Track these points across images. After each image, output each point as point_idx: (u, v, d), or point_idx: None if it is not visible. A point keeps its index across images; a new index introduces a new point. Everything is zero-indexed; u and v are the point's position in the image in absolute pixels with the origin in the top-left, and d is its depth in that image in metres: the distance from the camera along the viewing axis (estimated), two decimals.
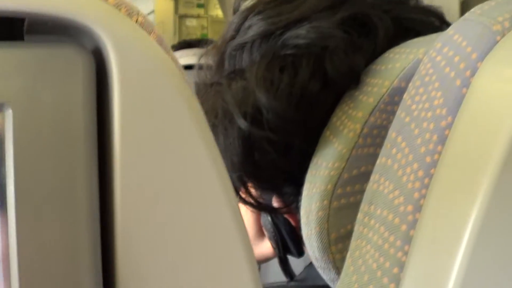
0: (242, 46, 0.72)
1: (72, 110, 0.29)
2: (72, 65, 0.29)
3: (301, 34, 0.67)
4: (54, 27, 0.30)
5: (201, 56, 0.78)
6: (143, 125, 0.30)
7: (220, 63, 0.74)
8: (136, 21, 0.32)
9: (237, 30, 0.74)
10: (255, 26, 0.71)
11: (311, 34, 0.66)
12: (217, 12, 9.25)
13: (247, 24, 0.73)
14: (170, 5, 10.25)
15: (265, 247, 0.82)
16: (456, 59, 0.47)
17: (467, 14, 0.52)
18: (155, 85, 0.30)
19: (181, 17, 10.31)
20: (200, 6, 10.40)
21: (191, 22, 10.36)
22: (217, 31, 10.05)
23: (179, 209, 0.31)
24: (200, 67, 0.78)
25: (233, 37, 0.74)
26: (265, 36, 0.70)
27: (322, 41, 0.66)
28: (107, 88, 0.30)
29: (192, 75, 1.70)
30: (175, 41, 10.10)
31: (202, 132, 0.32)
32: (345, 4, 0.69)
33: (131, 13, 0.32)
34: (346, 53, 0.65)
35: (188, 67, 1.72)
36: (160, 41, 0.33)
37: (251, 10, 0.74)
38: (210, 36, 10.41)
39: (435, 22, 0.74)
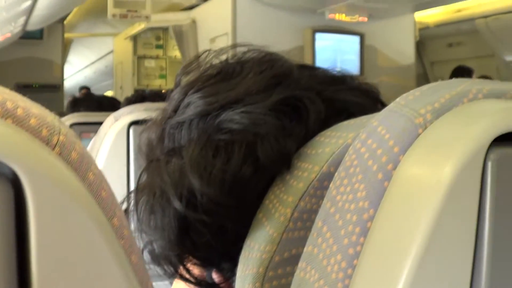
0: (180, 124, 0.73)
1: None
2: None
3: (234, 119, 0.69)
4: None
5: (141, 132, 0.80)
6: (56, 250, 0.31)
7: (160, 139, 0.76)
8: (57, 142, 0.33)
9: (177, 107, 0.75)
10: (193, 105, 0.73)
11: (244, 119, 0.68)
12: (176, 53, 9.33)
13: (186, 101, 0.74)
14: (129, 46, 10.29)
15: None
16: (379, 152, 0.48)
17: (392, 105, 0.53)
18: (67, 212, 0.31)
19: (140, 58, 10.35)
20: (159, 47, 10.49)
21: (149, 63, 10.42)
22: (175, 71, 10.08)
23: None
24: (139, 146, 0.79)
25: (172, 114, 0.75)
26: (202, 115, 0.71)
27: (254, 127, 0.68)
28: (26, 211, 0.31)
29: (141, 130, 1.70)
30: (134, 82, 10.16)
31: (115, 254, 0.33)
32: (279, 86, 0.71)
33: (52, 133, 0.33)
34: (277, 139, 0.67)
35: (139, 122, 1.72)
36: (80, 160, 0.33)
37: (190, 87, 0.76)
38: (168, 76, 10.48)
39: (369, 104, 0.76)
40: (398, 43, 7.87)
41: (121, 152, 1.74)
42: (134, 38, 10.18)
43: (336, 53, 7.20)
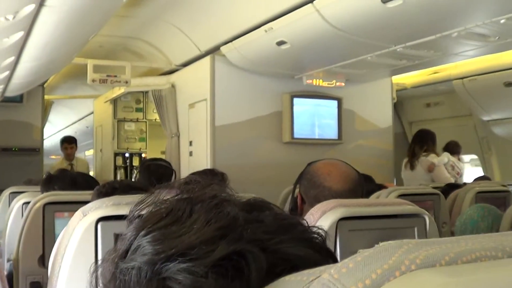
0: (130, 270, 0.75)
1: None
2: None
3: (178, 279, 0.71)
4: None
5: (94, 272, 0.81)
6: None
7: (113, 278, 0.79)
8: None
9: (128, 248, 0.78)
10: (142, 250, 0.76)
11: (187, 280, 0.71)
12: (156, 116, 9.36)
13: (136, 243, 0.77)
14: (109, 109, 10.31)
15: None
16: None
17: (326, 277, 0.55)
18: None
19: (119, 121, 10.36)
20: (138, 110, 10.50)
21: (129, 126, 10.43)
22: (156, 134, 10.14)
23: None
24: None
25: (124, 254, 0.78)
26: (149, 264, 0.74)
27: (196, 286, 0.70)
28: None
29: (110, 226, 1.70)
30: (114, 145, 10.15)
31: None
32: (224, 239, 0.73)
33: None
34: None
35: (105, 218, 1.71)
36: None
37: (142, 228, 0.79)
38: (149, 139, 10.49)
39: (313, 255, 0.77)
40: (376, 106, 7.94)
41: (89, 249, 1.73)
42: (114, 101, 10.21)
43: (314, 118, 7.25)
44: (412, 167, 7.18)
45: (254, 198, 0.86)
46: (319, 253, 0.79)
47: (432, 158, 7.12)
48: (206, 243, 0.73)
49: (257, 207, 0.83)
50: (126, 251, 0.79)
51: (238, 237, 0.74)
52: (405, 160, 7.33)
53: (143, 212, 0.86)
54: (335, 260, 0.80)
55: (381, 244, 0.62)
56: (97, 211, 1.78)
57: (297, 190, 2.41)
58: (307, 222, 0.83)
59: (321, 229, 0.83)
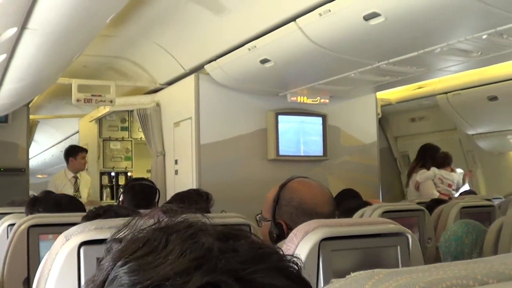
0: None
1: None
2: None
3: None
4: None
5: None
6: None
7: None
8: None
9: (106, 278, 0.80)
10: (118, 281, 0.78)
11: None
12: (141, 135, 9.35)
13: (113, 274, 0.78)
14: (94, 128, 10.29)
15: None
16: None
17: None
18: None
19: (105, 140, 10.35)
20: (124, 129, 10.49)
21: (115, 145, 10.42)
22: (141, 153, 10.13)
23: None
24: None
25: (101, 285, 0.80)
26: None
27: None
28: None
29: (92, 250, 1.70)
30: (100, 165, 10.13)
31: None
32: (198, 270, 0.74)
33: None
34: None
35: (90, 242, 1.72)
36: None
37: (119, 258, 0.79)
38: (134, 158, 10.47)
39: (289, 285, 0.78)
40: (361, 122, 7.97)
41: (72, 274, 1.73)
42: (99, 121, 10.21)
43: (299, 135, 7.27)
44: (408, 184, 7.19)
45: (231, 226, 0.86)
46: (294, 282, 0.79)
47: (419, 175, 7.12)
48: (181, 275, 0.73)
49: (232, 236, 0.83)
50: (104, 281, 0.80)
51: (212, 268, 0.74)
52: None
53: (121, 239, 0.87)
54: None
55: (352, 274, 0.62)
56: (80, 236, 1.78)
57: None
58: (282, 251, 0.83)
59: (296, 257, 0.83)
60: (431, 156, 7.31)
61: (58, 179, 8.40)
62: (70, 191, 7.90)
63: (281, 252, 0.83)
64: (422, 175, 7.12)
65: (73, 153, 8.38)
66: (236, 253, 0.78)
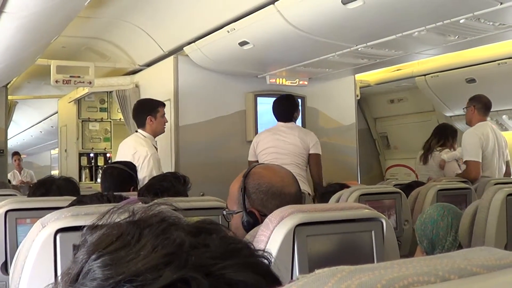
0: None
1: None
2: None
3: None
4: None
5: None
6: None
7: None
8: None
9: (80, 271, 0.81)
10: (92, 275, 0.79)
11: None
12: (120, 116, 9.31)
13: (87, 267, 0.80)
14: (73, 109, 10.23)
15: None
16: None
17: None
18: None
19: (84, 121, 10.30)
20: (103, 110, 10.44)
21: (94, 126, 10.37)
22: (121, 134, 10.08)
23: None
24: None
25: (75, 278, 0.81)
26: None
27: None
28: None
29: (69, 237, 1.71)
30: (79, 145, 10.07)
31: None
32: (169, 266, 0.75)
33: None
34: None
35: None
36: None
37: (93, 251, 0.81)
38: (113, 139, 10.42)
39: (258, 281, 0.79)
40: (340, 104, 7.99)
41: (48, 261, 1.74)
42: (78, 102, 10.15)
43: None
44: (426, 161, 7.06)
45: (203, 220, 0.88)
46: (263, 277, 0.80)
47: (444, 154, 6.98)
48: (152, 271, 0.75)
49: (204, 230, 0.85)
50: (78, 274, 0.81)
51: (183, 264, 0.76)
52: (420, 152, 7.19)
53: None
54: (279, 284, 0.82)
55: (316, 271, 0.64)
56: (56, 223, 1.77)
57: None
58: (253, 246, 0.85)
59: (267, 252, 0.85)
60: (452, 136, 7.17)
61: (146, 149, 5.48)
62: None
63: (252, 247, 0.85)
64: (448, 154, 6.97)
65: (151, 109, 5.68)
66: (207, 248, 0.80)
